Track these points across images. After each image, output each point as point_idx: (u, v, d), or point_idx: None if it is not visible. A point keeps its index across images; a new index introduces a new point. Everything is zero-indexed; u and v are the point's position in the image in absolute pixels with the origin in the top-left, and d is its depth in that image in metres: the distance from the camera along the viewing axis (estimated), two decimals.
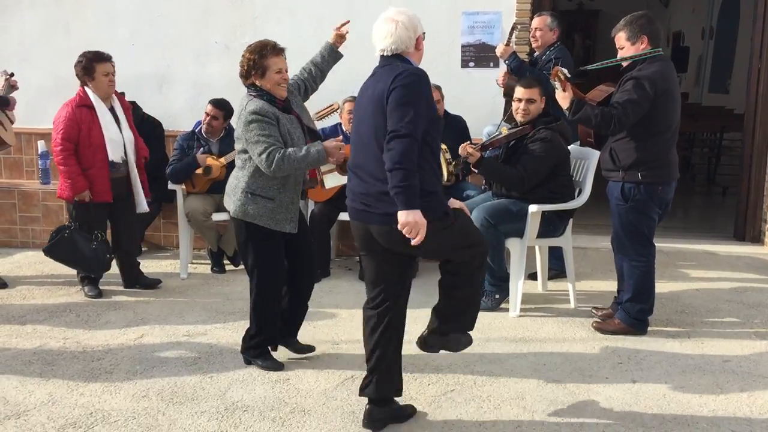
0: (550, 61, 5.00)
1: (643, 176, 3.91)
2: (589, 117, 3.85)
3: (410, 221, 2.67)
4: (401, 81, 2.75)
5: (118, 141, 4.79)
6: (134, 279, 5.06)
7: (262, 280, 3.61)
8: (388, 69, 2.87)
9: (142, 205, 4.88)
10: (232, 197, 3.58)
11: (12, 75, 5.17)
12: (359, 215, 2.96)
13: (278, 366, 3.71)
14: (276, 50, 3.55)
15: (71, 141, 4.67)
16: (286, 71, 3.59)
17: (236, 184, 3.59)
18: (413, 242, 2.71)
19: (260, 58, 3.52)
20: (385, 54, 2.93)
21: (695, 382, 3.54)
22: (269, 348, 3.78)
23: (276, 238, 3.58)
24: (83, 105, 4.70)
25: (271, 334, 3.74)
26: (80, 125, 4.67)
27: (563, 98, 3.95)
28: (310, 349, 3.88)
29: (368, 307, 3.08)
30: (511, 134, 4.49)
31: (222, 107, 5.34)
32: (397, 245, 2.87)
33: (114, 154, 4.74)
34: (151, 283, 5.07)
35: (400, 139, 2.66)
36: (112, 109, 4.81)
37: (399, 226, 2.70)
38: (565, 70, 4.00)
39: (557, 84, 3.97)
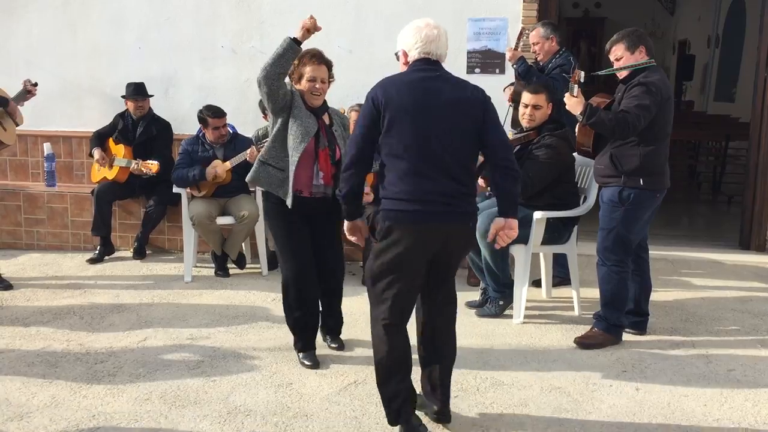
0: (557, 68, 5.00)
1: (645, 182, 3.91)
2: (603, 121, 3.84)
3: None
4: (487, 97, 3.01)
5: None
6: None
7: (283, 263, 3.78)
8: (453, 78, 2.99)
9: None
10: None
11: (35, 84, 5.19)
12: (438, 216, 2.89)
13: (310, 364, 3.78)
14: (315, 59, 3.65)
15: None
16: (323, 81, 3.67)
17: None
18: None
19: (300, 65, 3.65)
20: (433, 58, 2.98)
21: (699, 391, 3.53)
22: (303, 346, 3.85)
23: (294, 219, 3.68)
24: None
25: (294, 324, 3.82)
26: None
27: (576, 103, 3.91)
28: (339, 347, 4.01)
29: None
30: (516, 140, 4.49)
31: (222, 113, 5.36)
32: (467, 247, 3.22)
33: None
34: None
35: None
36: None
37: (512, 231, 3.06)
38: (582, 74, 3.99)
39: (575, 87, 3.94)
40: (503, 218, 3.06)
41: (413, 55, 2.97)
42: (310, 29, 3.56)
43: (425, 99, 2.88)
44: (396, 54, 3.06)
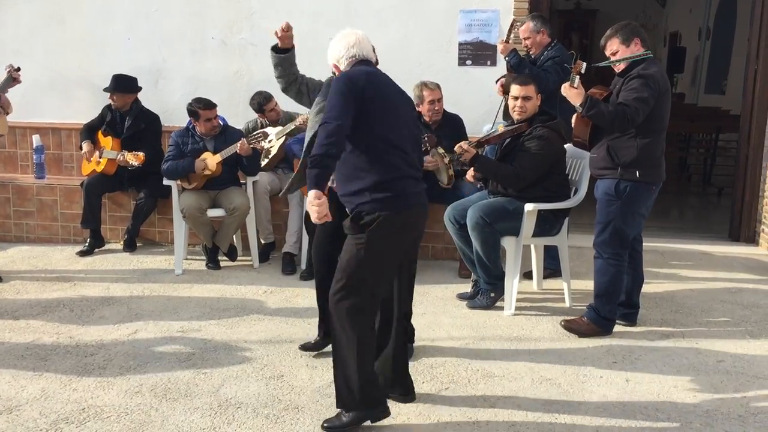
0: (549, 60, 4.99)
1: (641, 175, 3.91)
2: (602, 114, 3.83)
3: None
4: None
5: None
6: None
7: None
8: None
9: None
10: None
11: (18, 69, 5.10)
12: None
13: None
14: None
15: None
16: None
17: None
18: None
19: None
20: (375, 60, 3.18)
21: (689, 381, 3.55)
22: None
23: None
24: None
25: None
26: None
27: (576, 94, 3.89)
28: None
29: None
30: (508, 131, 4.48)
31: (212, 104, 5.31)
32: None
33: None
34: None
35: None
36: None
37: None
38: (584, 65, 3.98)
39: (576, 78, 3.93)
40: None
41: (342, 63, 3.09)
42: (282, 34, 3.67)
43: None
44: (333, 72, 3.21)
